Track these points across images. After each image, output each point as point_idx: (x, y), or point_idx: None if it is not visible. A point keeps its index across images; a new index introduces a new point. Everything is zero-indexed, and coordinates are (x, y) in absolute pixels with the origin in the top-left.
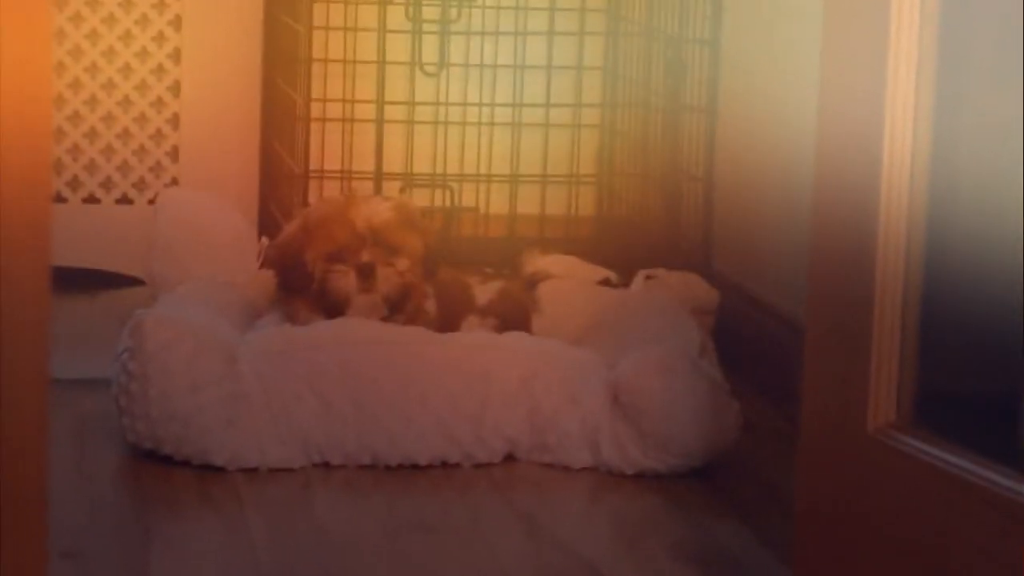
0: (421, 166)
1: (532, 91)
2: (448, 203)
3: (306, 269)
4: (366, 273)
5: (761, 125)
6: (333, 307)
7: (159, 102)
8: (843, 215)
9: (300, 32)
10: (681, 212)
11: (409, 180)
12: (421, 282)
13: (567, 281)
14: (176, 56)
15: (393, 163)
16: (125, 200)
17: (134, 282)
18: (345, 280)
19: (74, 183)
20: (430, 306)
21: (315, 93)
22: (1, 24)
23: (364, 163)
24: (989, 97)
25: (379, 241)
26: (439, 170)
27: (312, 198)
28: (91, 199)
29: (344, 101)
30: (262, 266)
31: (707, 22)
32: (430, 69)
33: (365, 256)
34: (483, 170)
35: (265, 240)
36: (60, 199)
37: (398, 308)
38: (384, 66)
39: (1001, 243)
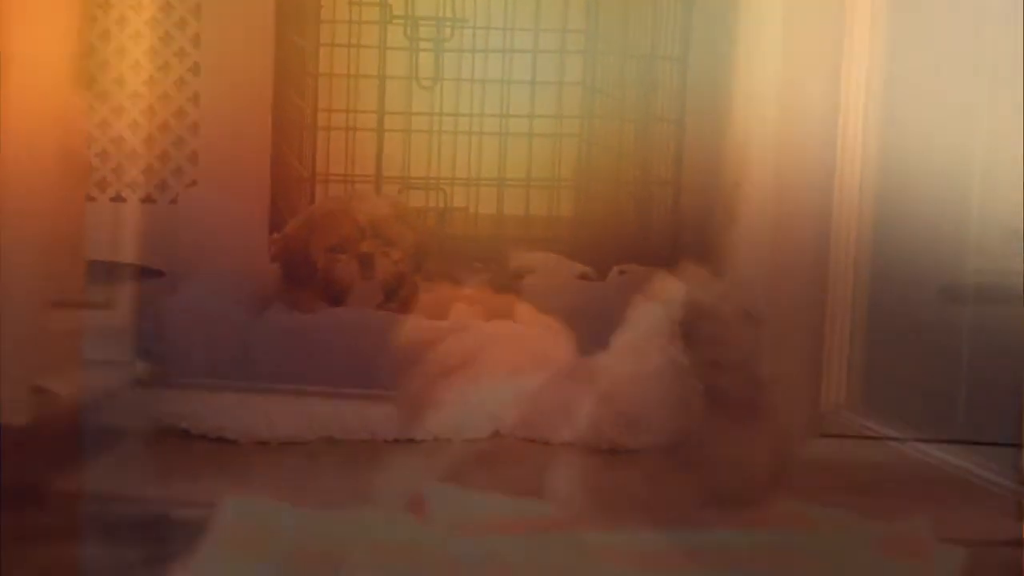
0: (417, 170)
1: (518, 103)
2: (441, 204)
3: (310, 259)
4: (367, 262)
5: (725, 135)
6: (335, 294)
7: (180, 111)
8: (799, 221)
9: (308, 49)
10: (651, 214)
11: (406, 183)
12: (413, 272)
13: (548, 275)
14: (196, 69)
15: (392, 167)
16: (149, 200)
17: (156, 273)
18: (348, 268)
19: (102, 184)
20: (421, 295)
21: (321, 104)
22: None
23: (365, 168)
24: (929, 118)
25: (377, 234)
26: (433, 174)
27: (318, 199)
28: (118, 198)
29: (348, 111)
30: (272, 259)
31: (676, 41)
32: (426, 83)
33: (366, 247)
34: (473, 174)
35: (275, 236)
36: (89, 198)
37: (393, 295)
38: (384, 80)
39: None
